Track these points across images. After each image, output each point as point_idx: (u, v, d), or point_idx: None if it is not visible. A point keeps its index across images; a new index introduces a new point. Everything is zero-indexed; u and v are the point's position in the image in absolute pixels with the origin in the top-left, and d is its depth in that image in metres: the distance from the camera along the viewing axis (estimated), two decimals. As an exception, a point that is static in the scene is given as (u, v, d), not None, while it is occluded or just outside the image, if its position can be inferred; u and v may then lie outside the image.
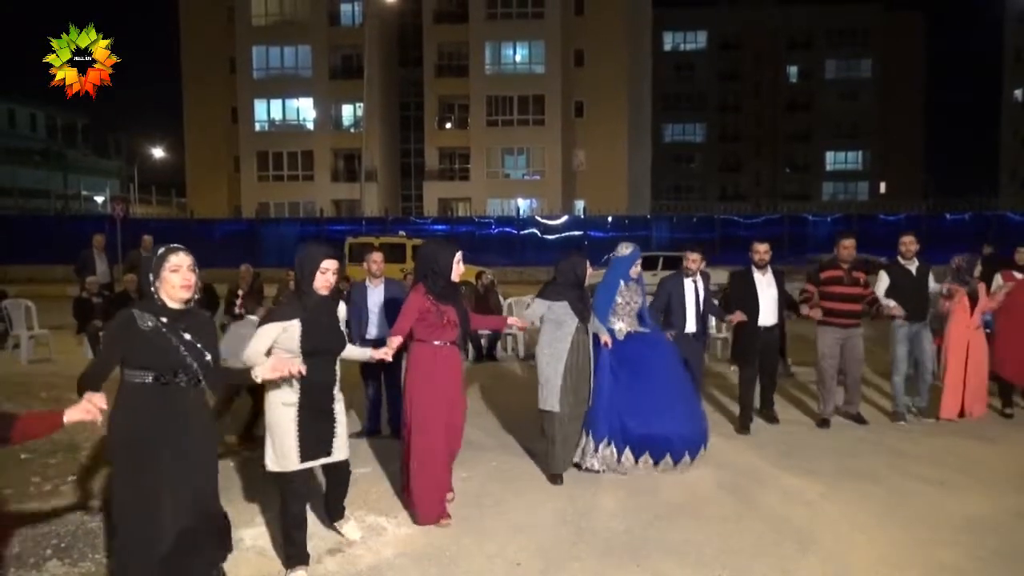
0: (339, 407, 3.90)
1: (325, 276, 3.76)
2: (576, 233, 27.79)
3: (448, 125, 37.08)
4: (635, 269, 5.63)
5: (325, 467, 3.96)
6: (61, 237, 25.10)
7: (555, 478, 5.19)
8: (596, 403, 5.23)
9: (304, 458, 3.75)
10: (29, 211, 35.51)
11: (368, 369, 6.09)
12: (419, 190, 37.49)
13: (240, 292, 10.46)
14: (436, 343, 4.41)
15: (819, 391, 6.82)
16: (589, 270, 5.27)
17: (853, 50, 57.23)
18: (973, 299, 6.80)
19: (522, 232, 27.98)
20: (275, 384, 3.65)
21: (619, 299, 5.55)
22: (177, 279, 3.13)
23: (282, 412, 3.72)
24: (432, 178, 36.77)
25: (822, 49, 57.92)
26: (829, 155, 59.57)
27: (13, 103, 46.15)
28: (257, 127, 36.78)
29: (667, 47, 59.14)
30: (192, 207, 35.84)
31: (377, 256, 6.37)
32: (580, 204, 34.80)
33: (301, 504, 3.81)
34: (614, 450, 5.23)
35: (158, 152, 45.75)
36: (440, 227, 28.71)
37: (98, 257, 11.73)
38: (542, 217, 29.53)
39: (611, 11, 35.75)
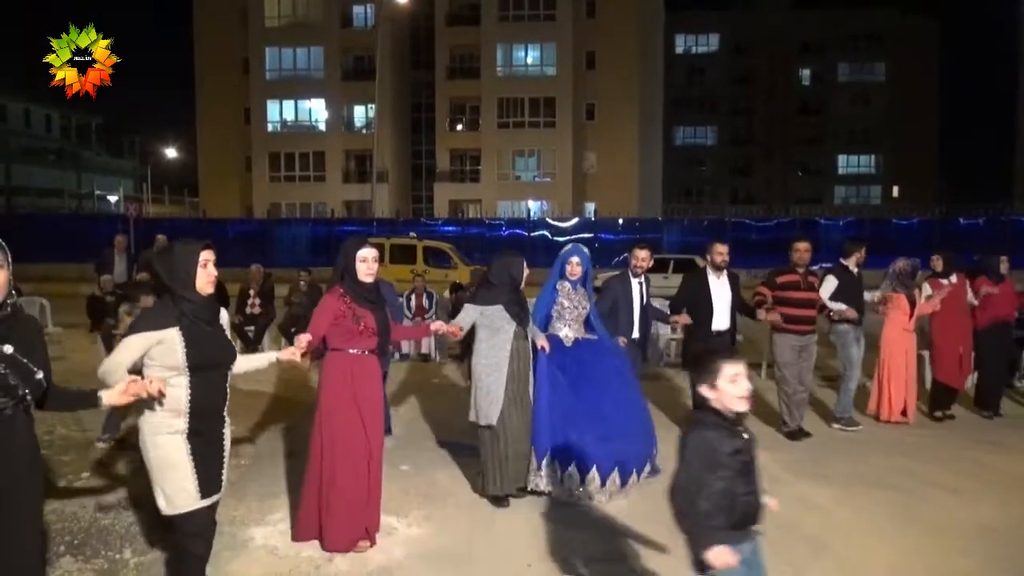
0: (227, 432, 3.27)
1: (207, 270, 3.09)
2: (587, 235, 27.76)
3: (459, 127, 37.14)
4: (573, 268, 5.22)
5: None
6: (75, 236, 25.31)
7: (498, 500, 4.78)
8: (535, 415, 4.85)
9: (204, 493, 3.10)
10: (43, 210, 35.84)
11: None
12: (430, 191, 37.58)
13: (252, 292, 10.55)
14: (352, 351, 4.05)
15: (781, 402, 6.51)
16: (526, 270, 4.94)
17: (866, 54, 56.80)
18: (911, 303, 6.83)
19: (532, 234, 27.96)
20: (152, 408, 3.03)
21: (565, 302, 5.19)
22: None
23: (168, 440, 3.05)
24: (443, 180, 36.85)
25: (835, 53, 57.52)
26: (841, 159, 59.18)
27: (28, 103, 46.53)
28: (269, 128, 36.94)
29: (679, 50, 58.96)
30: (204, 207, 36.01)
31: None
32: (591, 206, 34.76)
33: (206, 546, 3.20)
34: (557, 467, 4.83)
35: (171, 152, 46.10)
36: (451, 228, 28.74)
37: (118, 257, 11.84)
38: (552, 219, 29.50)
39: (623, 14, 35.73)
